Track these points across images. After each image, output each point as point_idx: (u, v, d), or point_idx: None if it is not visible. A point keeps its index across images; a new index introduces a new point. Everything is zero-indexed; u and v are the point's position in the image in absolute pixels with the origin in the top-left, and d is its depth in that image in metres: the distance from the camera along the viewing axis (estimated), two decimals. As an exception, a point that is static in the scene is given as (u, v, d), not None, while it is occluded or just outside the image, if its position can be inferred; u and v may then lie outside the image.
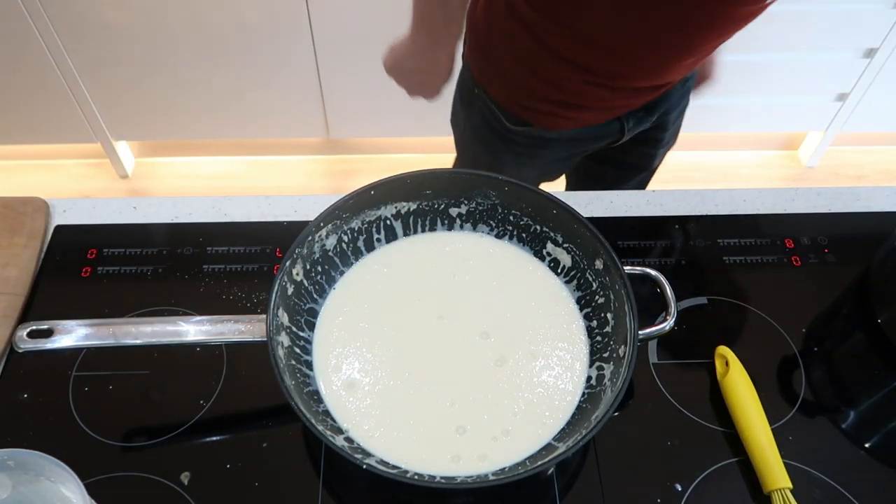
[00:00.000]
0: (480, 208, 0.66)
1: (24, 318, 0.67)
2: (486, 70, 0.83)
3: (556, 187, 0.86)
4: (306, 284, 0.61)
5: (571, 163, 0.94)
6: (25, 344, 0.55)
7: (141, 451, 0.60)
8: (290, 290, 0.58)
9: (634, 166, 0.98)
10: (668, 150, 0.98)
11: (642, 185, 1.04)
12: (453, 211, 0.66)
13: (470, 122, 0.91)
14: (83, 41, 1.53)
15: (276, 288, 0.56)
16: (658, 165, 1.01)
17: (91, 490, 0.48)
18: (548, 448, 0.54)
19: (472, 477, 0.53)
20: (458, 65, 0.90)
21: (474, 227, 0.67)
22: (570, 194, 0.79)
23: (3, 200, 0.74)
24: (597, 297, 0.61)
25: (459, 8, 0.81)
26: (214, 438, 0.61)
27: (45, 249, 0.72)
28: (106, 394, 0.63)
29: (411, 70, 0.89)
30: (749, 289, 0.70)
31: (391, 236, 0.67)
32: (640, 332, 0.55)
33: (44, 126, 1.72)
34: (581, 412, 0.56)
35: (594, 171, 1.00)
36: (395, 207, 0.65)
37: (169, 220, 0.76)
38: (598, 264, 0.60)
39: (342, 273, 0.65)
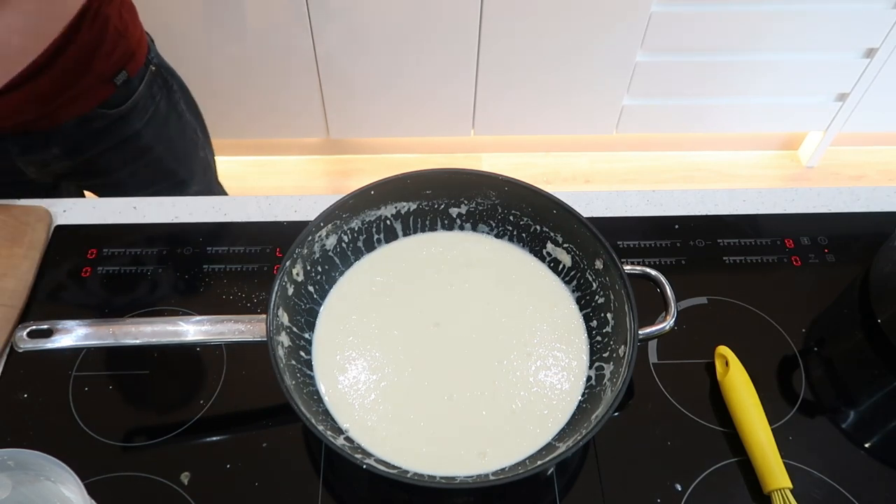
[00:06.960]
0: (480, 208, 0.66)
1: (22, 320, 0.67)
2: None
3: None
4: (306, 284, 0.61)
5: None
6: (25, 344, 0.55)
7: (141, 451, 0.60)
8: (291, 290, 0.58)
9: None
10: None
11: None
12: (453, 211, 0.66)
13: None
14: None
15: (276, 288, 0.56)
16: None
17: (91, 490, 0.48)
18: (548, 448, 0.54)
19: (472, 477, 0.53)
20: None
21: (474, 227, 0.68)
22: (570, 194, 0.79)
23: (6, 209, 0.73)
24: (597, 297, 0.61)
25: None
26: (214, 438, 0.61)
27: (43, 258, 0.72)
28: (106, 394, 0.63)
29: None
30: (749, 289, 0.70)
31: (391, 236, 0.67)
32: (640, 332, 0.55)
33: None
34: (581, 412, 0.56)
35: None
36: (395, 207, 0.65)
37: (169, 220, 0.76)
38: (598, 264, 0.60)
39: (342, 273, 0.65)
